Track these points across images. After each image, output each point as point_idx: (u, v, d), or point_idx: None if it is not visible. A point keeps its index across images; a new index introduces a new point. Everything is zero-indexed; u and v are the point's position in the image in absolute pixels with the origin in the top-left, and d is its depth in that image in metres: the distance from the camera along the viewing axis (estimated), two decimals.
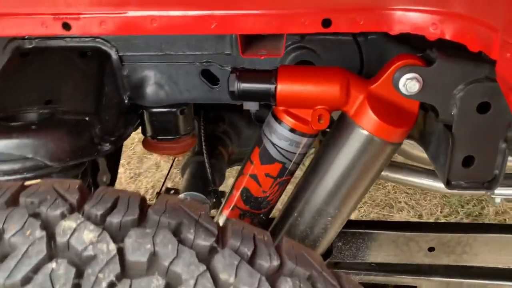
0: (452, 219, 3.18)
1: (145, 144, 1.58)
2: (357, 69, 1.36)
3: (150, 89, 1.44)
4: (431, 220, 3.01)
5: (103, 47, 1.36)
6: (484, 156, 1.02)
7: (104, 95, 1.31)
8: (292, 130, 1.07)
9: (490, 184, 1.05)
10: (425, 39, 0.84)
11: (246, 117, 2.44)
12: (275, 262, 0.76)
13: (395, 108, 1.01)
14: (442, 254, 1.53)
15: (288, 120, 1.07)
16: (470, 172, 1.04)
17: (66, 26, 1.00)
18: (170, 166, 2.35)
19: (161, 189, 2.22)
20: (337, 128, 1.07)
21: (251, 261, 0.75)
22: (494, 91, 0.93)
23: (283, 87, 1.03)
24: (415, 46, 1.07)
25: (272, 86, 1.04)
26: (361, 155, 1.03)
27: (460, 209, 3.29)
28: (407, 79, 0.96)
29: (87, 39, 1.36)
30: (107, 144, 1.23)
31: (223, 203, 1.27)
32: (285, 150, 1.10)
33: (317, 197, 1.11)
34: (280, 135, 1.09)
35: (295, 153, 1.11)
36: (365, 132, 1.01)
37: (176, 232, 0.74)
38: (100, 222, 0.73)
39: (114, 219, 0.73)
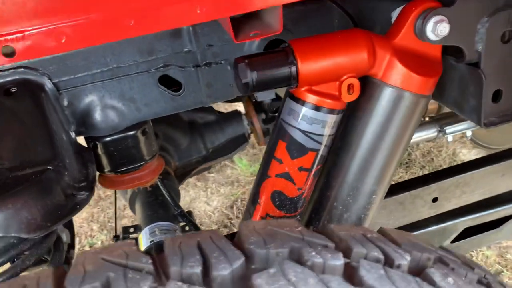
0: None
1: (104, 181, 1.30)
2: None
3: (100, 115, 1.18)
4: None
5: (31, 77, 1.06)
6: (510, 86, 0.98)
7: (54, 134, 1.03)
8: (321, 110, 0.92)
9: None
10: None
11: (179, 127, 2.23)
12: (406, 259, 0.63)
13: (421, 59, 0.92)
14: (444, 201, 1.51)
15: (316, 100, 0.91)
16: (499, 106, 0.99)
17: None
18: (114, 200, 2.03)
19: (116, 232, 1.91)
20: (364, 96, 0.94)
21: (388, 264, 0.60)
22: None
23: (306, 65, 0.87)
24: None
25: (292, 67, 0.87)
26: (398, 116, 0.93)
27: None
28: (435, 22, 0.87)
29: (6, 72, 1.05)
30: (83, 192, 0.97)
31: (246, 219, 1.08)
32: (316, 134, 0.95)
33: (355, 175, 0.98)
34: (310, 119, 0.93)
35: (327, 135, 0.96)
36: (399, 90, 0.91)
37: (299, 260, 0.57)
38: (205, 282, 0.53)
39: (221, 272, 0.53)
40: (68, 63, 1.09)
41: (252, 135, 2.40)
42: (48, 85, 1.08)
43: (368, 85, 0.94)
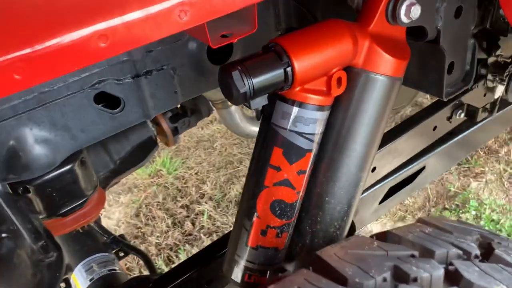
0: None
1: None
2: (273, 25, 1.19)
3: (30, 154, 0.97)
4: None
5: None
6: (460, 58, 1.05)
7: None
8: (315, 108, 0.86)
9: (465, 79, 1.09)
10: None
11: None
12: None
13: (394, 42, 0.91)
14: (380, 169, 1.60)
15: (310, 98, 0.85)
16: (452, 77, 1.06)
17: None
18: None
19: None
20: (348, 88, 0.91)
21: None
22: None
23: (300, 63, 0.80)
24: None
25: (287, 67, 0.79)
26: (381, 101, 0.92)
27: None
28: (408, 6, 0.87)
29: None
30: (50, 253, 0.79)
31: (245, 238, 0.97)
32: (311, 134, 0.88)
33: (348, 169, 0.95)
34: (306, 120, 0.86)
35: (319, 133, 0.91)
36: (380, 76, 0.89)
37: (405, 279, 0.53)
38: None
39: None
40: None
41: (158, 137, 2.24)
42: None
43: (348, 75, 0.91)
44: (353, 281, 0.54)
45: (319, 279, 0.56)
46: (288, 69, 0.80)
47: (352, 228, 1.11)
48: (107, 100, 1.04)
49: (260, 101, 0.81)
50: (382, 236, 0.71)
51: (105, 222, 3.07)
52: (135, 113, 1.08)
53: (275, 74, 0.79)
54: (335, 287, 0.54)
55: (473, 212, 2.77)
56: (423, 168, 1.92)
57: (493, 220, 2.70)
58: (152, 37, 0.68)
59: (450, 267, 0.57)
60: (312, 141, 0.91)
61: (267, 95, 0.82)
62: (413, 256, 0.59)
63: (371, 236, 0.74)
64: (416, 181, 1.98)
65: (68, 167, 1.04)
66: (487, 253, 0.64)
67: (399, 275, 0.56)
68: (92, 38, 0.62)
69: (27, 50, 0.59)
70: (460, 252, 0.61)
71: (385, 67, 0.89)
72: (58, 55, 0.61)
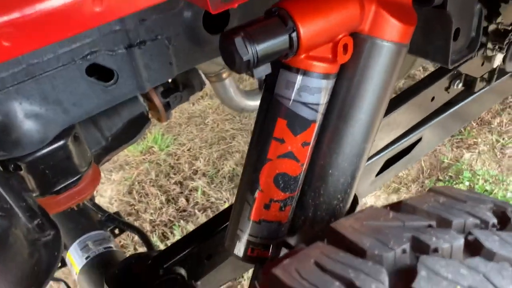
0: None
1: None
2: None
3: (21, 129, 0.92)
4: None
5: None
6: (466, 24, 1.01)
7: None
8: (321, 76, 0.82)
9: (470, 46, 1.06)
10: None
11: None
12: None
13: (400, 7, 0.87)
14: (378, 141, 1.58)
15: (316, 66, 0.81)
16: (457, 44, 1.02)
17: None
18: None
19: None
20: (353, 55, 0.87)
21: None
22: None
23: (306, 29, 0.75)
24: None
25: (293, 33, 0.75)
26: (387, 69, 0.88)
27: None
28: None
29: None
30: (47, 232, 0.76)
31: (248, 212, 0.95)
32: (316, 104, 0.85)
33: (352, 139, 0.93)
34: (311, 89, 0.82)
35: (324, 103, 0.88)
36: (388, 42, 0.86)
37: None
38: None
39: None
40: None
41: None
42: None
43: (354, 42, 0.87)
44: (372, 253, 0.52)
45: (336, 252, 0.54)
46: (293, 34, 0.76)
47: (355, 201, 1.09)
48: (100, 73, 0.99)
49: (264, 70, 0.77)
50: (397, 207, 0.69)
51: (97, 200, 3.04)
52: (129, 85, 1.04)
53: (279, 40, 0.75)
54: (353, 260, 0.52)
55: (467, 183, 2.78)
56: (419, 140, 1.91)
57: (486, 191, 2.72)
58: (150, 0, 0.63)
59: (470, 237, 0.56)
60: (317, 111, 0.87)
61: (270, 63, 0.78)
62: (430, 226, 0.57)
63: (385, 207, 0.72)
64: (412, 153, 1.97)
65: (60, 142, 1.00)
66: (502, 221, 0.62)
67: (419, 246, 0.54)
68: (87, 1, 0.57)
69: (16, 15, 0.55)
70: (477, 221, 0.59)
71: (391, 33, 0.86)
72: (50, 20, 0.57)
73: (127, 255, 1.51)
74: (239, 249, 1.01)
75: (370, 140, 0.97)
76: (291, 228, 1.06)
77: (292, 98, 0.84)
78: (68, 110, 0.97)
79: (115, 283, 1.19)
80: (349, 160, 0.96)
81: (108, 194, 3.11)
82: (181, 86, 2.25)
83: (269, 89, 0.88)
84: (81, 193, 1.10)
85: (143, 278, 1.19)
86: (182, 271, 1.20)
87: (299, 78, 0.83)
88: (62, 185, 1.04)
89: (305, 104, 0.85)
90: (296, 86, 0.83)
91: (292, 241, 1.08)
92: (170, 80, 2.11)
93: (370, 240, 0.54)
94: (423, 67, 3.55)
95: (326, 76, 0.84)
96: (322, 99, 0.87)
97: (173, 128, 3.57)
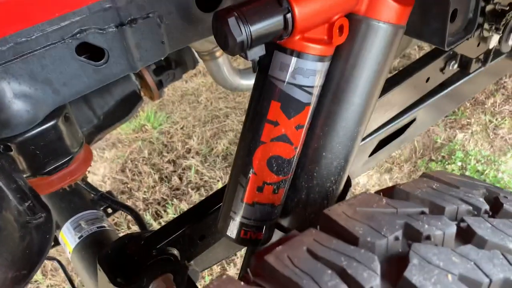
0: None
1: None
2: None
3: (10, 109, 0.91)
4: None
5: None
6: (463, 5, 1.00)
7: None
8: (316, 58, 0.81)
9: (467, 28, 1.05)
10: None
11: None
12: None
13: None
14: (372, 122, 1.57)
15: (311, 48, 0.80)
16: (453, 26, 1.01)
17: None
18: None
19: None
20: (348, 37, 0.85)
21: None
22: None
23: (301, 9, 0.74)
24: None
25: (287, 13, 0.74)
26: (384, 51, 0.87)
27: None
28: None
29: None
30: (38, 214, 0.75)
31: (241, 194, 0.94)
32: (311, 86, 0.84)
33: (346, 122, 0.92)
34: (306, 71, 0.81)
35: (318, 86, 0.87)
36: (384, 24, 0.84)
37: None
38: None
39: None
40: None
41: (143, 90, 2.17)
42: None
43: (349, 23, 0.85)
44: (365, 240, 0.52)
45: (329, 239, 0.54)
46: (288, 15, 0.74)
47: (348, 183, 1.09)
48: (91, 52, 0.97)
49: (258, 51, 0.76)
50: (389, 192, 0.69)
51: (90, 178, 3.03)
52: (120, 65, 1.02)
53: (274, 21, 0.74)
54: (346, 247, 0.52)
55: (459, 163, 2.80)
56: (413, 120, 1.91)
57: (478, 171, 2.74)
58: None
59: (462, 224, 0.56)
60: (311, 94, 0.86)
61: (264, 44, 0.77)
62: (423, 213, 0.57)
63: (377, 192, 0.71)
64: (405, 134, 1.97)
65: (51, 123, 0.99)
66: (494, 208, 0.63)
67: (411, 233, 0.54)
68: None
69: None
70: (470, 207, 0.59)
71: (388, 14, 0.84)
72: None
73: (120, 234, 1.51)
74: (232, 230, 1.01)
75: (364, 123, 0.97)
76: (284, 210, 1.06)
77: (287, 80, 0.83)
78: (58, 90, 0.96)
79: (108, 263, 1.19)
80: (342, 143, 0.95)
81: (101, 172, 3.11)
82: (173, 64, 2.22)
83: (263, 71, 0.86)
84: (73, 173, 1.09)
85: (136, 258, 1.19)
86: (175, 252, 1.20)
87: (294, 60, 0.81)
88: (53, 166, 1.03)
89: (299, 86, 0.84)
90: (291, 68, 0.82)
91: (285, 223, 1.08)
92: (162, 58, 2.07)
93: (362, 227, 0.53)
94: (418, 46, 3.53)
95: (321, 58, 0.83)
96: (317, 81, 0.86)
97: (166, 106, 3.54)
